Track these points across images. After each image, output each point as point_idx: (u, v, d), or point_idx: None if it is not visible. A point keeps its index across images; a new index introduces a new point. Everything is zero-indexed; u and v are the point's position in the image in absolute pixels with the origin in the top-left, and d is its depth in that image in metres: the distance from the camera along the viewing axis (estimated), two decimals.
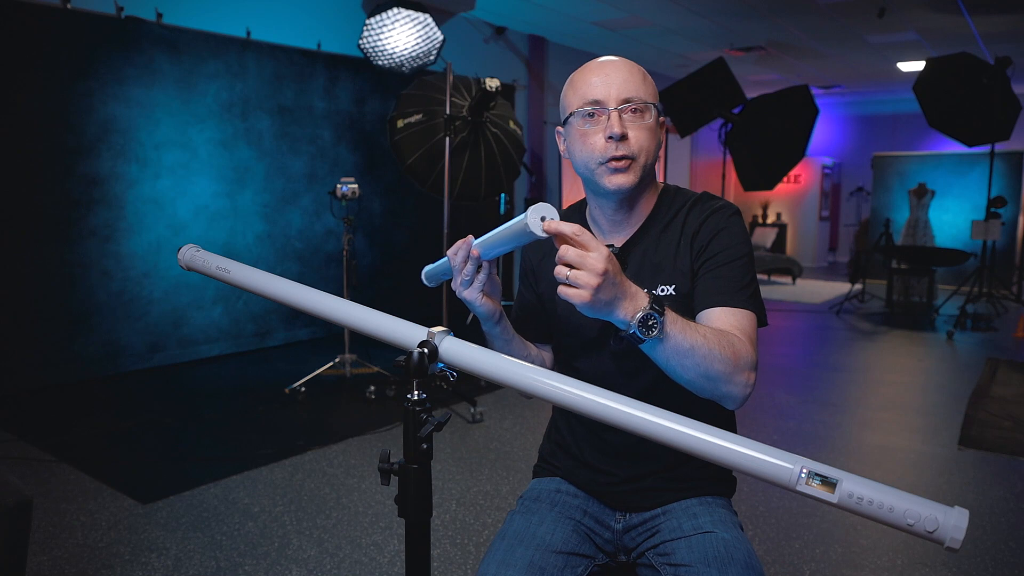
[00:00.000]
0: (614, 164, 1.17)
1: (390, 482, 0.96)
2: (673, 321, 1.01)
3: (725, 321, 1.14)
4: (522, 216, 0.96)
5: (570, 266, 0.94)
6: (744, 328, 1.14)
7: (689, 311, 1.21)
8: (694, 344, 1.02)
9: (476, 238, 1.13)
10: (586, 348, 1.29)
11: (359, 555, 2.38)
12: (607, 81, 1.17)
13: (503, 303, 1.28)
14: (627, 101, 1.16)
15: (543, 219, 0.94)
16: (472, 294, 1.16)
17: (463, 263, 1.14)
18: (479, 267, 1.13)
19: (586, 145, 1.19)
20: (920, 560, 2.37)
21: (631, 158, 1.17)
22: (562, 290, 0.95)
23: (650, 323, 0.97)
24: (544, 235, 0.95)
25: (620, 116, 1.16)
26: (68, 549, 2.38)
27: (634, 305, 0.97)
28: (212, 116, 4.81)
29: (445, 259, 1.23)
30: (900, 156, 9.72)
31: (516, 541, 1.20)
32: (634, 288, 0.98)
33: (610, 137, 1.15)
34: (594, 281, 0.92)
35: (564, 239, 0.95)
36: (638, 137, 1.17)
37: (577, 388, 0.89)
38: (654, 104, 1.19)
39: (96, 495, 2.78)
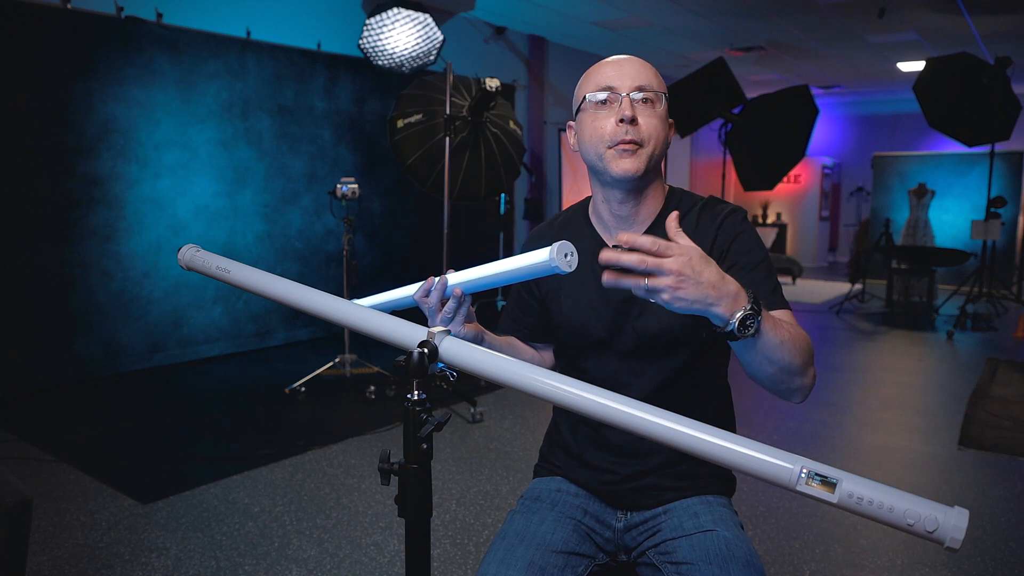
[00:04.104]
0: (623, 147, 1.18)
1: (390, 482, 0.96)
2: (766, 318, 1.01)
3: None
4: (543, 257, 0.98)
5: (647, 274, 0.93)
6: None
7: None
8: (783, 340, 1.03)
9: (451, 275, 1.14)
10: (593, 348, 1.29)
11: (359, 555, 2.38)
12: (621, 72, 1.20)
13: (500, 303, 1.29)
14: (640, 88, 1.19)
15: (567, 256, 0.98)
16: (456, 328, 1.17)
17: (440, 303, 1.15)
18: (460, 302, 1.15)
19: (596, 129, 1.20)
20: (920, 560, 2.37)
21: (639, 144, 1.18)
22: (650, 288, 0.93)
23: (748, 323, 0.97)
24: (568, 270, 0.99)
25: (632, 102, 1.18)
26: (68, 549, 2.38)
27: (736, 304, 0.96)
28: (212, 116, 4.81)
29: (397, 298, 1.24)
30: (900, 156, 9.72)
31: (516, 541, 1.20)
32: (735, 286, 0.97)
33: (621, 120, 1.17)
34: (674, 283, 0.92)
35: (644, 248, 0.93)
36: (648, 124, 1.19)
37: (577, 388, 0.89)
38: (665, 95, 1.22)
39: (96, 495, 2.78)
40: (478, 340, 1.22)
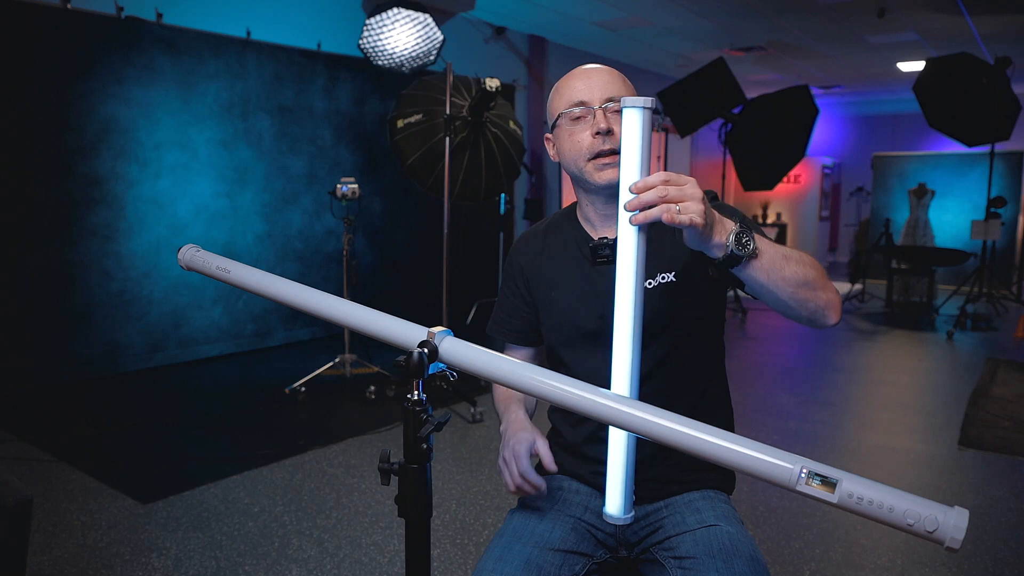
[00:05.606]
0: (602, 160, 1.22)
1: (390, 482, 0.96)
2: (759, 238, 1.03)
3: None
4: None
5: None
6: None
7: (689, 297, 1.26)
8: (786, 253, 1.05)
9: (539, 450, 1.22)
10: (584, 339, 1.32)
11: (359, 555, 2.38)
12: (590, 84, 1.24)
13: (497, 302, 1.33)
14: (610, 100, 1.22)
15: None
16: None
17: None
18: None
19: (574, 143, 1.24)
20: (920, 560, 2.37)
21: (618, 152, 1.20)
22: (671, 217, 0.93)
23: (743, 239, 0.99)
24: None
25: (605, 114, 1.21)
26: (68, 549, 2.38)
27: (724, 227, 0.99)
28: (212, 116, 4.81)
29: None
30: (900, 156, 9.72)
31: (514, 538, 1.21)
32: (718, 215, 1.01)
33: (597, 133, 1.21)
34: (702, 206, 0.94)
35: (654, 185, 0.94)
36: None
37: (577, 388, 0.89)
38: None
39: (96, 495, 2.78)
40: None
